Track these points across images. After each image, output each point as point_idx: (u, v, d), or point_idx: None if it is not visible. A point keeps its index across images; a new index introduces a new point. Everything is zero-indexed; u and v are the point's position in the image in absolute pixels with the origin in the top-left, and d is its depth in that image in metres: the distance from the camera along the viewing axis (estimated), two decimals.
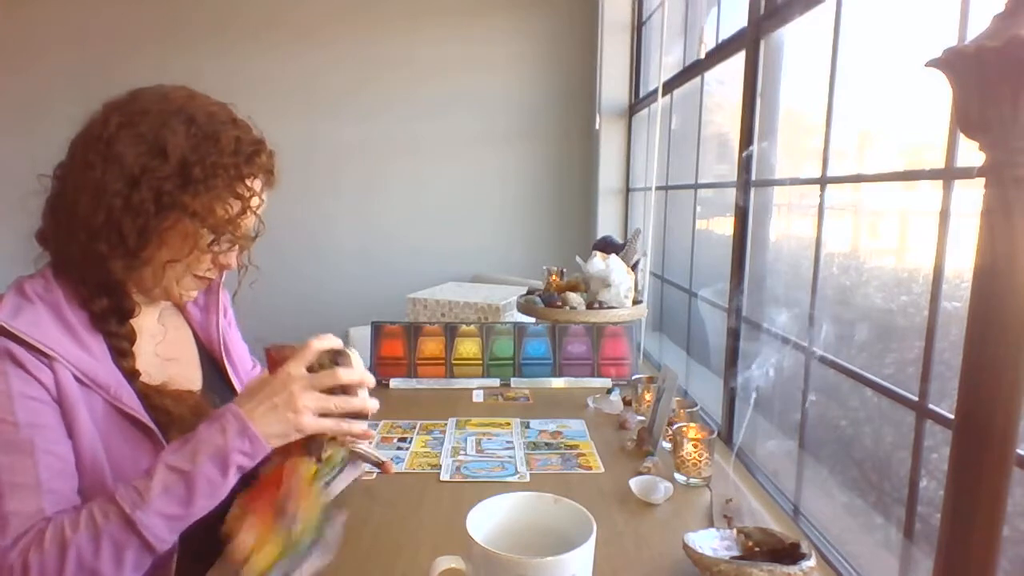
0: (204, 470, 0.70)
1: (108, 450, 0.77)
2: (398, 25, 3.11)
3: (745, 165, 1.40)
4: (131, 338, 0.84)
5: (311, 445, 0.75)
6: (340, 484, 0.84)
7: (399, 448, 1.15)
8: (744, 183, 1.41)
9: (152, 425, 0.80)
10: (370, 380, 0.80)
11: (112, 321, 0.82)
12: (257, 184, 0.87)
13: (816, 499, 1.16)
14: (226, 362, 1.00)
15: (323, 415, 0.75)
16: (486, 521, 0.65)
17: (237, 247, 0.86)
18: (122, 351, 0.82)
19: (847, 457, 1.12)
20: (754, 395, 1.28)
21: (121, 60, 3.11)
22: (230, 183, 0.81)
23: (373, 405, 0.80)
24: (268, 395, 0.74)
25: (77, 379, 0.74)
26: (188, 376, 0.94)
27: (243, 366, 1.10)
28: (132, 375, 0.82)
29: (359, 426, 0.78)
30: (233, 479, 0.72)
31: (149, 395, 0.83)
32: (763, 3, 1.36)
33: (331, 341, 0.78)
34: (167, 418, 0.82)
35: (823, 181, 1.15)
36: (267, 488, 0.72)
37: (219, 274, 0.90)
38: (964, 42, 0.46)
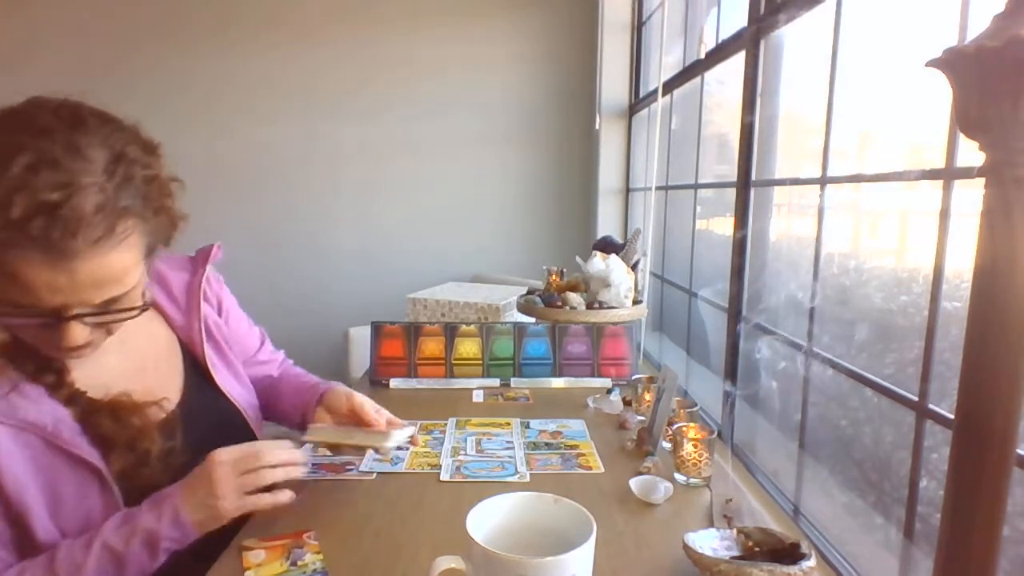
0: (135, 553, 0.74)
1: (54, 488, 0.75)
2: (398, 25, 3.11)
3: (745, 165, 1.40)
4: (60, 371, 0.79)
5: None
6: None
7: (399, 448, 1.15)
8: (744, 183, 1.41)
9: (95, 461, 0.77)
10: (297, 459, 0.86)
11: (27, 363, 0.77)
12: (33, 257, 0.65)
13: (816, 499, 1.16)
14: (210, 365, 0.99)
15: (249, 494, 0.80)
16: (486, 521, 0.65)
17: (73, 326, 0.70)
18: (51, 385, 0.78)
19: (847, 457, 1.12)
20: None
21: (120, 60, 3.11)
22: None
23: (284, 497, 0.84)
24: (194, 483, 0.79)
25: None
26: (165, 384, 0.92)
27: (245, 354, 1.11)
28: (72, 403, 0.79)
29: (284, 496, 0.84)
30: (163, 558, 0.76)
31: (94, 422, 0.79)
32: (763, 3, 1.36)
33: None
34: (110, 445, 0.80)
35: (823, 181, 1.15)
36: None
37: (70, 351, 0.74)
38: (964, 42, 0.46)
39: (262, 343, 1.20)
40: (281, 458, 0.83)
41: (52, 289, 0.67)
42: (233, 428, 1.00)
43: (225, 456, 0.80)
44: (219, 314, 1.08)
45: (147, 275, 0.79)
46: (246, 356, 1.14)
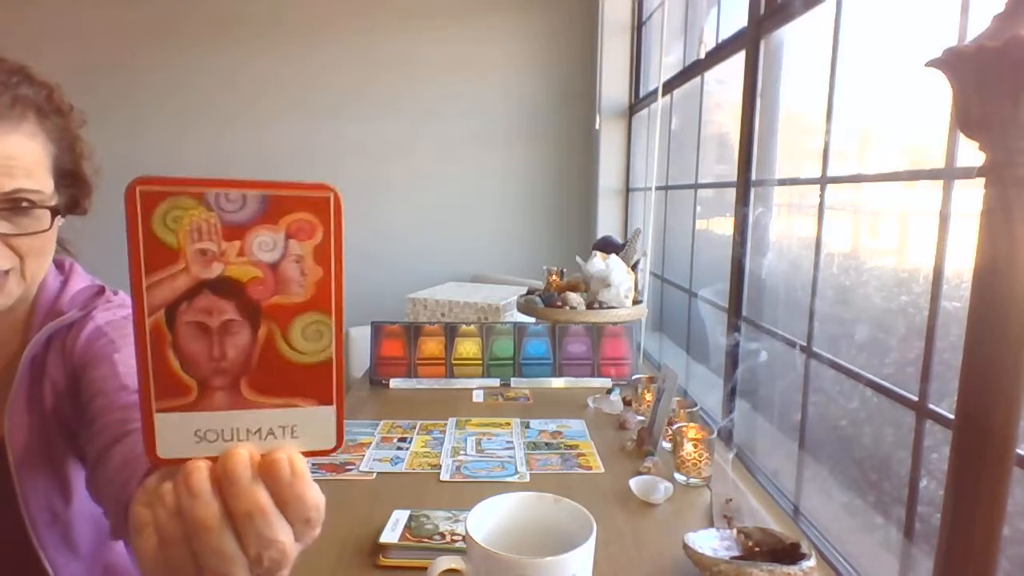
0: None
1: None
2: (398, 25, 3.11)
3: (745, 165, 1.40)
4: None
5: None
6: None
7: (399, 448, 1.15)
8: (744, 183, 1.41)
9: None
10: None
11: None
12: None
13: (816, 499, 1.16)
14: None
15: None
16: (486, 521, 0.65)
17: None
18: None
19: (847, 457, 1.12)
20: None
21: (121, 60, 3.11)
22: None
23: None
24: None
25: None
26: None
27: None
28: None
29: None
30: None
31: None
32: (763, 3, 1.36)
33: None
34: None
35: (823, 181, 1.15)
36: None
37: None
38: (964, 42, 0.46)
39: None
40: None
41: None
42: None
43: None
44: (69, 382, 0.76)
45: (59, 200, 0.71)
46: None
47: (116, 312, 0.80)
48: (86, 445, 0.70)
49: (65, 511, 0.76)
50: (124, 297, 0.84)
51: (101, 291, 0.83)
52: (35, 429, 0.74)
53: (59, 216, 0.70)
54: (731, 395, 1.44)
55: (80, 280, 0.83)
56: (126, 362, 0.73)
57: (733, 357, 1.45)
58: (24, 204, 0.66)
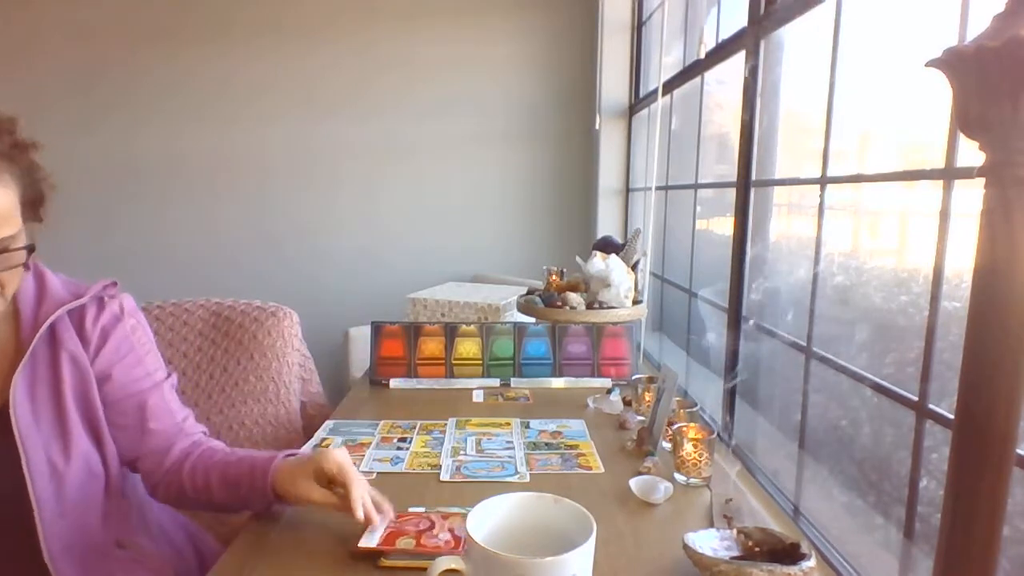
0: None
1: None
2: (397, 25, 3.11)
3: (745, 165, 1.40)
4: None
5: None
6: None
7: (399, 448, 1.15)
8: (744, 183, 1.41)
9: None
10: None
11: None
12: None
13: (816, 499, 1.16)
14: (15, 408, 0.82)
15: None
16: (486, 521, 0.65)
17: None
18: None
19: (847, 457, 1.12)
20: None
21: (120, 61, 3.11)
22: None
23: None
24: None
25: None
26: None
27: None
28: None
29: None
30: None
31: None
32: (763, 3, 1.36)
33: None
34: None
35: (823, 181, 1.15)
36: None
37: None
38: (964, 42, 0.46)
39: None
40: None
41: None
42: None
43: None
44: (94, 356, 0.90)
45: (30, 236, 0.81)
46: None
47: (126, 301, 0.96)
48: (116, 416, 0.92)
49: (65, 467, 0.84)
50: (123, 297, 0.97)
51: (112, 284, 0.95)
52: (47, 395, 0.85)
53: (33, 251, 0.80)
54: (731, 395, 1.44)
55: (53, 277, 0.92)
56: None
57: (733, 357, 1.45)
58: (4, 253, 0.75)
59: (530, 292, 1.75)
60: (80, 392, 0.88)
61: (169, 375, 0.99)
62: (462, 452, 1.13)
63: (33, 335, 0.84)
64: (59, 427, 0.86)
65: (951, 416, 0.69)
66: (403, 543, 0.80)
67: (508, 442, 1.17)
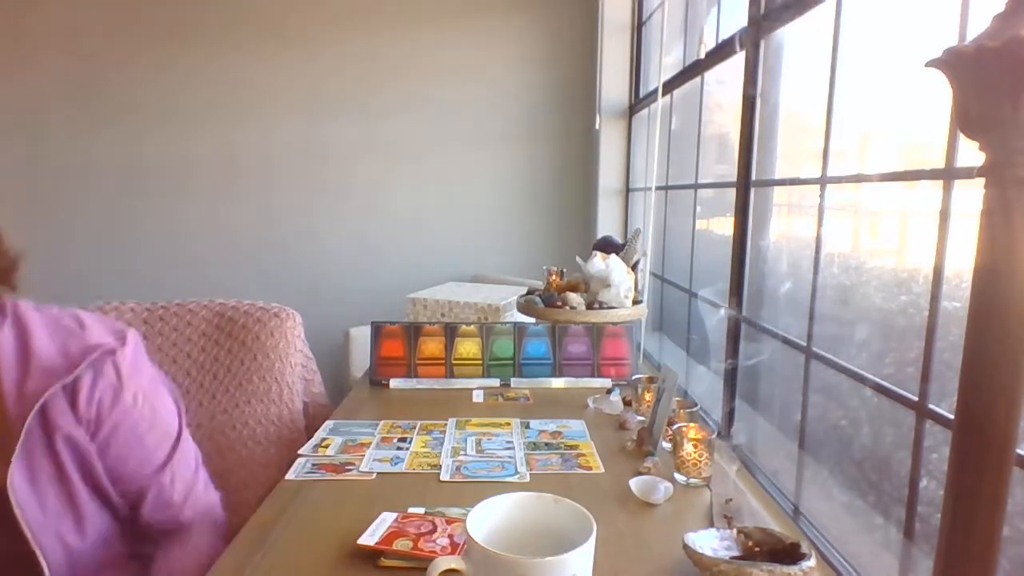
0: None
1: None
2: (398, 27, 3.12)
3: (745, 165, 1.40)
4: None
5: None
6: None
7: (399, 448, 1.15)
8: (744, 183, 1.41)
9: None
10: None
11: None
12: None
13: (816, 499, 1.16)
14: (12, 481, 0.75)
15: None
16: (486, 521, 0.65)
17: None
18: None
19: (847, 457, 1.12)
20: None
21: (120, 64, 3.11)
22: None
23: None
24: None
25: None
26: None
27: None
28: None
29: None
30: None
31: None
32: (763, 3, 1.36)
33: None
34: None
35: (823, 181, 1.15)
36: None
37: None
38: (964, 42, 0.46)
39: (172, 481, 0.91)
40: None
41: None
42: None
43: None
44: (91, 434, 0.83)
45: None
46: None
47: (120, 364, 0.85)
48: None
49: (80, 544, 0.81)
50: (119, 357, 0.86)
51: (92, 348, 0.83)
52: (49, 478, 0.79)
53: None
54: (731, 395, 1.44)
55: (37, 325, 0.83)
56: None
57: (733, 357, 1.45)
58: None
59: (530, 292, 1.75)
60: (86, 468, 0.82)
61: (179, 435, 0.92)
62: (462, 452, 1.13)
63: (20, 412, 0.75)
64: (69, 507, 0.80)
65: (951, 416, 0.69)
66: (400, 544, 0.80)
67: (508, 442, 1.17)
